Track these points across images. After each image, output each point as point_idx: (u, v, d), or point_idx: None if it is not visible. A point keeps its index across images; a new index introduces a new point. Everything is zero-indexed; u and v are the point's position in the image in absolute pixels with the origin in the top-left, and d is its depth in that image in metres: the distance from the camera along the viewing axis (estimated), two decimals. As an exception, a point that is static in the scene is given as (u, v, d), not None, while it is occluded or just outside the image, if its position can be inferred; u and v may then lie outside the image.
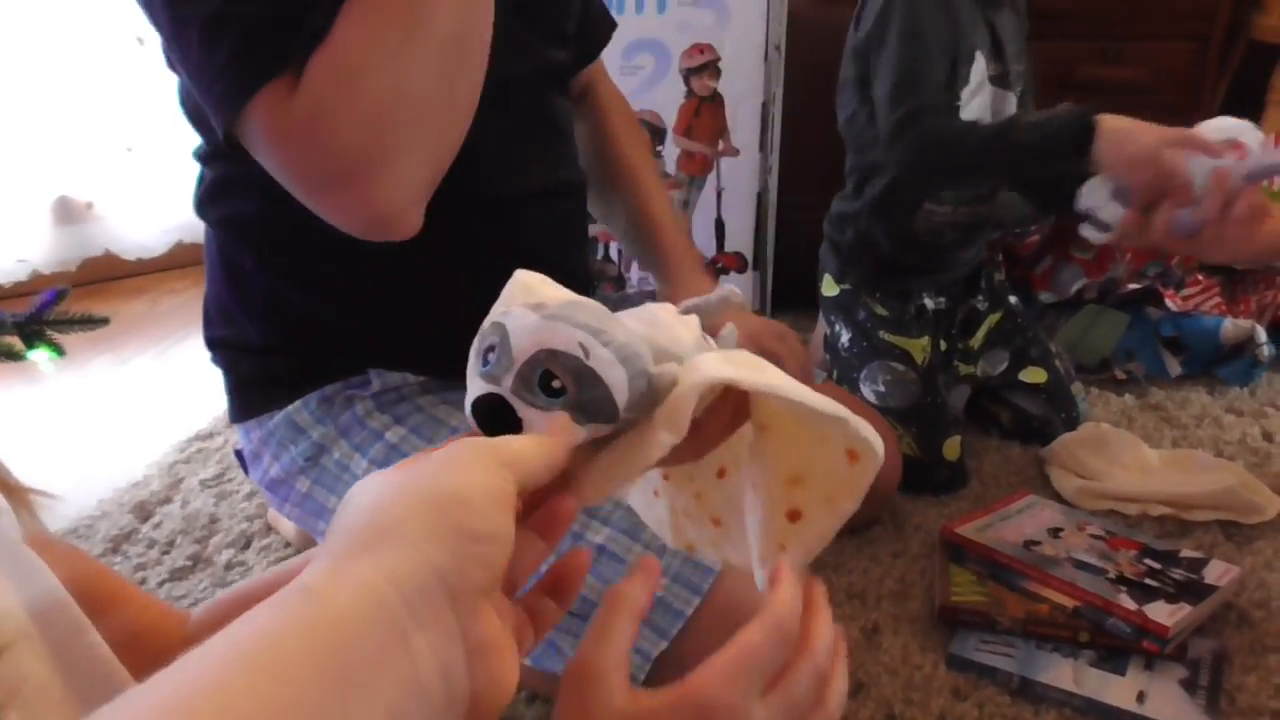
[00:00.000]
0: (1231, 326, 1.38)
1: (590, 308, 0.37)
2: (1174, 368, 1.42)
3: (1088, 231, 1.02)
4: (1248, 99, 1.88)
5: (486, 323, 0.40)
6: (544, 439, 0.35)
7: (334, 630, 0.27)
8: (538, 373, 0.35)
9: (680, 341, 0.39)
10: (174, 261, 2.13)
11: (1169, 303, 1.41)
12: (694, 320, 0.43)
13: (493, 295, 0.62)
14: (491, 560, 0.31)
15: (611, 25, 1.07)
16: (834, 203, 1.28)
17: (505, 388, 0.36)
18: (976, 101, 1.18)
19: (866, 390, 1.23)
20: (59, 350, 0.94)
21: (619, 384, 0.36)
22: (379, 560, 0.29)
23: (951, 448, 1.20)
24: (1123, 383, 1.42)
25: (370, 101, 0.67)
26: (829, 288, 1.29)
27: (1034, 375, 1.28)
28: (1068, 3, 1.89)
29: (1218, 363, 1.41)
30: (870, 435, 0.40)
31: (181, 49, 0.73)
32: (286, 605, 0.28)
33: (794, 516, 0.42)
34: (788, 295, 1.49)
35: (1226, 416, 1.33)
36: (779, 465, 0.42)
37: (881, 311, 1.25)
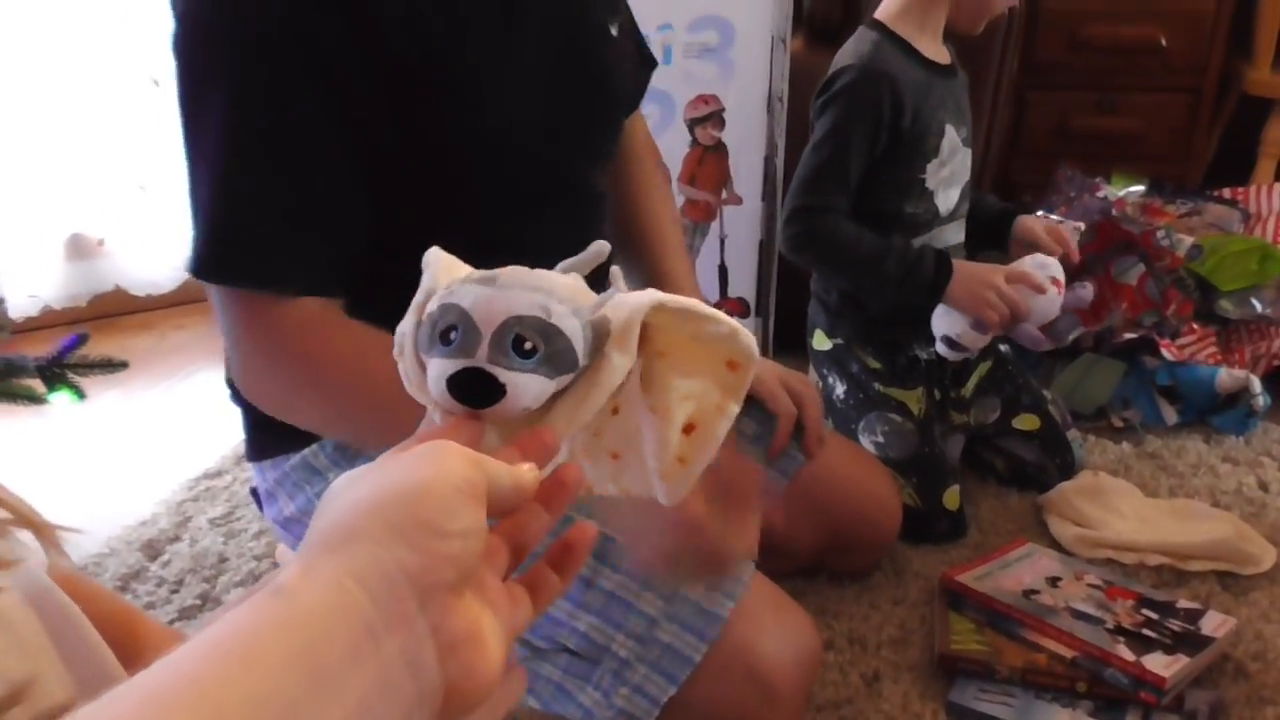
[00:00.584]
0: (1227, 376, 1.40)
1: (526, 272, 0.41)
2: (1170, 416, 1.44)
3: (943, 349, 1.22)
4: (1239, 151, 1.92)
5: (433, 305, 0.42)
6: (517, 466, 0.36)
7: (304, 626, 0.29)
8: (509, 338, 0.38)
9: (581, 291, 0.42)
10: (183, 298, 2.15)
11: (1165, 352, 1.43)
12: (578, 276, 0.45)
13: None
14: (460, 555, 0.32)
15: (652, 65, 1.07)
16: None
17: (480, 359, 0.38)
18: (949, 168, 1.23)
19: (865, 441, 1.25)
20: (80, 393, 0.96)
21: (576, 334, 0.39)
22: (346, 560, 0.30)
23: (952, 497, 1.22)
24: (1119, 430, 1.44)
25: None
26: (820, 342, 1.31)
27: (1027, 422, 1.30)
28: (1065, 55, 1.94)
29: (1213, 412, 1.43)
30: (750, 343, 0.44)
31: (194, 166, 0.76)
32: (260, 604, 0.29)
33: (689, 429, 0.45)
34: (788, 340, 1.51)
35: (1222, 465, 1.35)
36: (676, 385, 0.45)
37: (874, 364, 1.27)
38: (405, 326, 0.43)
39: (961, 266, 1.18)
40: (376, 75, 0.74)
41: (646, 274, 1.05)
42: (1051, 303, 1.17)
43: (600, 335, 0.40)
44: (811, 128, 1.23)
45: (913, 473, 1.22)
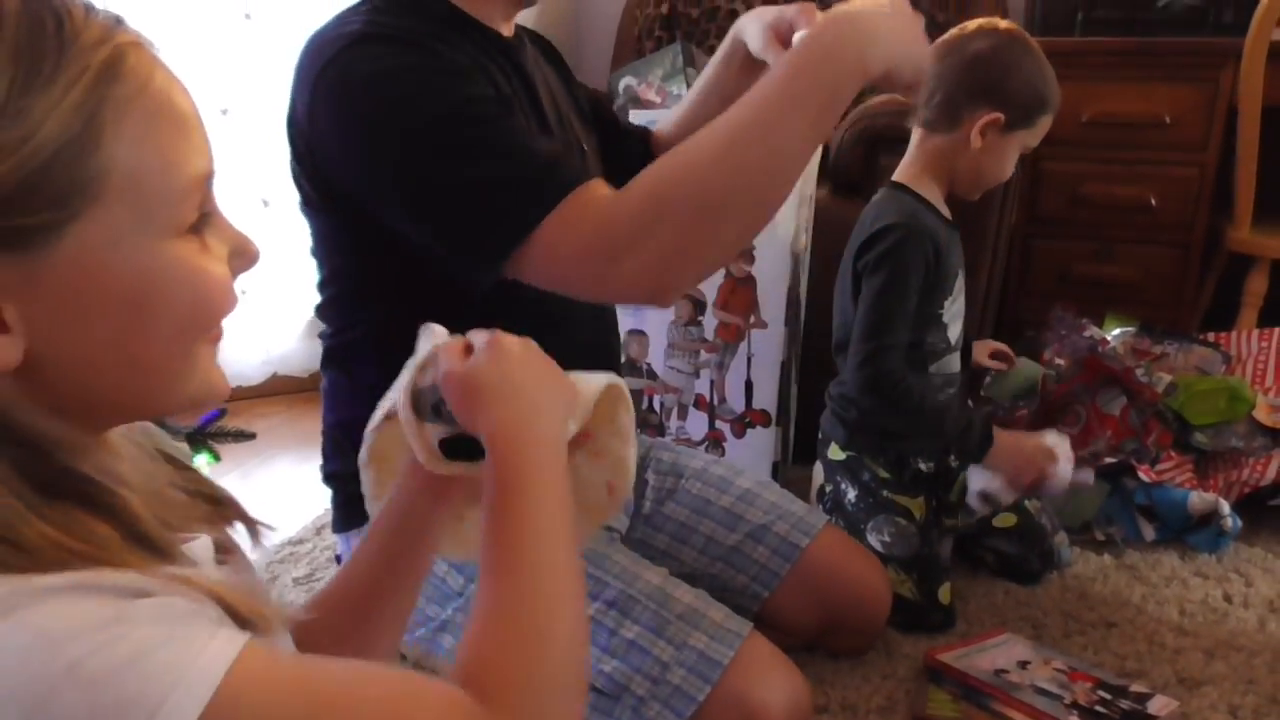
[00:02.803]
0: (1198, 499, 1.56)
1: None
2: (1148, 533, 1.59)
3: (976, 503, 1.45)
4: (1227, 301, 2.11)
5: (426, 381, 0.64)
6: None
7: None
8: None
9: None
10: (267, 390, 2.40)
11: (1142, 475, 1.59)
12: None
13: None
14: None
15: (647, 135, 1.31)
16: (832, 386, 1.53)
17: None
18: (957, 304, 1.46)
19: (873, 539, 1.42)
20: (217, 456, 1.17)
21: None
22: None
23: (945, 593, 1.38)
24: (1102, 544, 1.59)
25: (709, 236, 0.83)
26: (835, 453, 1.51)
27: (1004, 520, 1.48)
28: (1065, 210, 2.17)
29: (1188, 531, 1.58)
30: (629, 470, 0.68)
31: (432, 207, 0.89)
32: None
33: (610, 489, 0.69)
34: (803, 447, 1.70)
35: (1193, 579, 1.49)
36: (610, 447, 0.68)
37: (884, 474, 1.45)
38: (403, 382, 0.65)
39: (1002, 435, 1.39)
40: None
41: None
42: (1065, 475, 1.39)
43: None
44: (856, 273, 1.43)
45: (914, 569, 1.39)
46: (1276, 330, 1.89)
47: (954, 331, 1.46)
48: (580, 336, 1.13)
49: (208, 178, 0.50)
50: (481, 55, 1.01)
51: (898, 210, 1.41)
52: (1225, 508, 1.56)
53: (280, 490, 1.87)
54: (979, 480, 1.42)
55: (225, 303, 0.51)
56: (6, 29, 0.42)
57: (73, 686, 0.39)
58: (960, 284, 1.47)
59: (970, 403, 1.75)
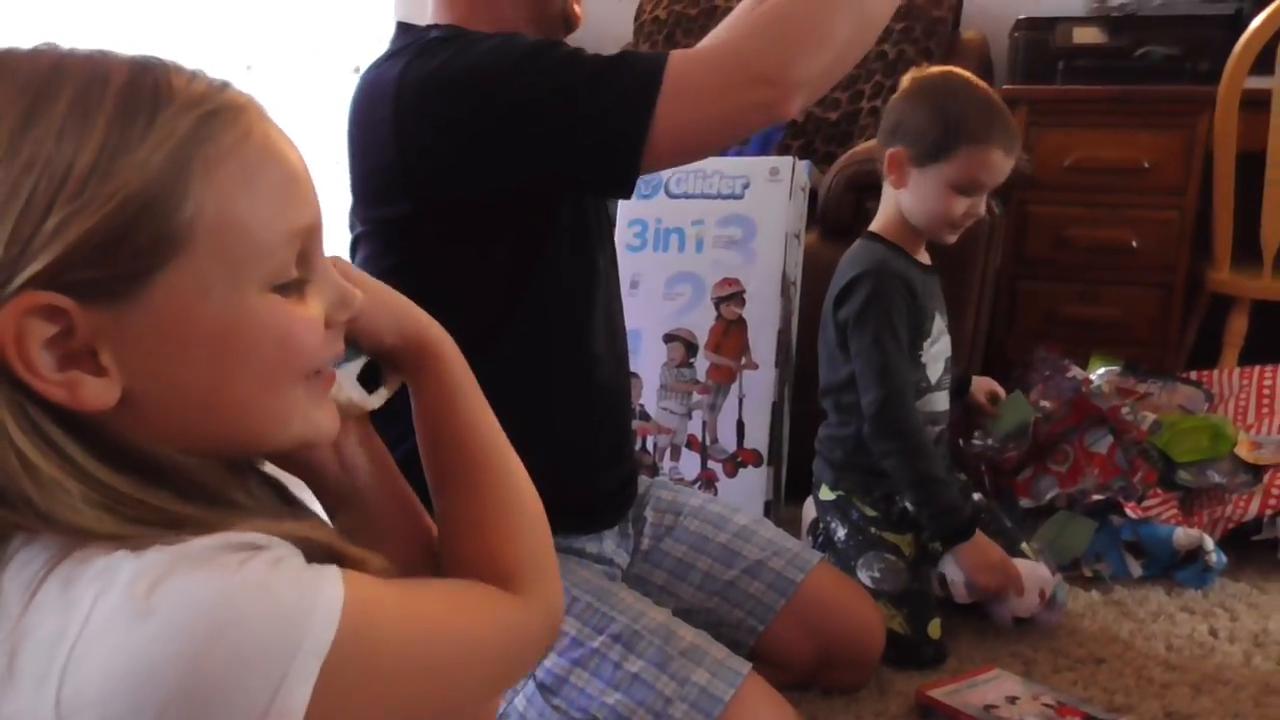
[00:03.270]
0: (1183, 534, 1.59)
1: None
2: (1135, 569, 1.61)
3: (935, 583, 1.45)
4: (1211, 341, 2.15)
5: None
6: None
7: None
8: None
9: None
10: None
11: (1129, 512, 1.62)
12: None
13: (596, 448, 0.93)
14: None
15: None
16: (821, 429, 1.57)
17: None
18: (937, 346, 1.50)
19: (863, 576, 1.44)
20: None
21: None
22: None
23: (935, 628, 1.40)
24: (1090, 580, 1.61)
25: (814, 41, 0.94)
26: (825, 494, 1.54)
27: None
28: (1050, 252, 2.22)
29: (1174, 567, 1.60)
30: None
31: (568, 103, 0.95)
32: None
33: None
34: (795, 486, 1.73)
35: (1180, 614, 1.51)
36: None
37: (872, 512, 1.48)
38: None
39: (979, 539, 1.41)
40: None
41: None
42: (1027, 606, 1.41)
43: None
44: (838, 324, 1.48)
45: (904, 605, 1.41)
46: (1257, 369, 1.93)
47: (934, 371, 1.50)
48: (603, 375, 1.18)
49: (308, 232, 0.53)
50: None
51: (867, 258, 1.47)
52: (1210, 543, 1.58)
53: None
54: (947, 565, 1.44)
55: (316, 351, 0.54)
56: (109, 96, 0.47)
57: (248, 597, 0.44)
58: (940, 326, 1.51)
59: (960, 441, 1.79)
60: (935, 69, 1.49)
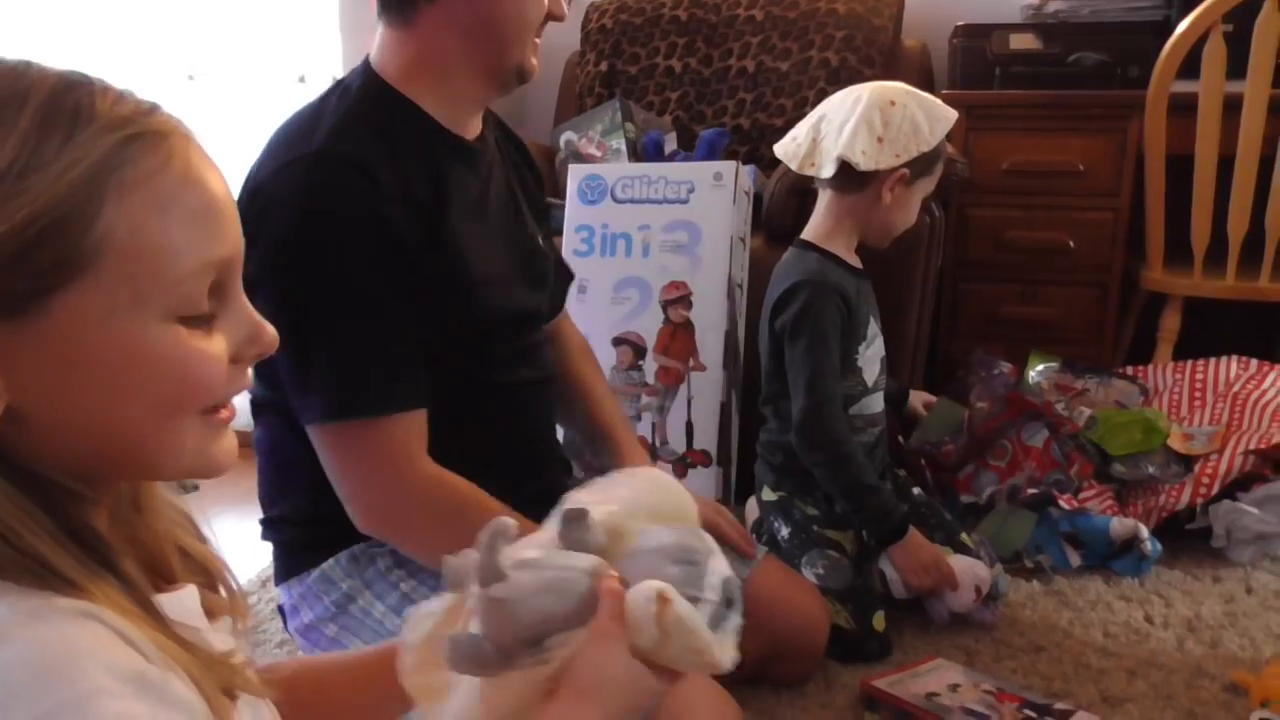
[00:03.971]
0: (1118, 524, 1.63)
1: None
2: (1074, 559, 1.65)
3: (877, 579, 1.48)
4: (1148, 338, 2.21)
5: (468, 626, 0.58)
6: None
7: None
8: None
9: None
10: (214, 446, 2.39)
11: (1064, 504, 1.66)
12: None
13: (493, 470, 0.95)
14: None
15: (571, 277, 1.41)
16: (762, 433, 1.60)
17: None
18: (872, 349, 1.54)
19: (807, 573, 1.47)
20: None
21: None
22: None
23: (879, 621, 1.43)
24: (1031, 571, 1.65)
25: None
26: (767, 495, 1.56)
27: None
28: (991, 254, 2.26)
29: (1111, 557, 1.65)
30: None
31: (317, 330, 1.01)
32: None
33: None
34: (745, 486, 1.75)
35: (1116, 602, 1.56)
36: None
37: (813, 511, 1.51)
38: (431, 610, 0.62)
39: (913, 538, 1.45)
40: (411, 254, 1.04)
41: (600, 443, 1.34)
42: (963, 602, 1.45)
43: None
44: (774, 332, 1.51)
45: (848, 600, 1.43)
46: (1189, 363, 1.99)
47: (870, 374, 1.54)
48: (528, 424, 1.22)
49: (223, 265, 0.52)
50: (443, 163, 1.10)
51: (803, 268, 1.50)
52: (1145, 533, 1.63)
53: (224, 545, 1.86)
54: (886, 563, 1.47)
55: (217, 386, 0.53)
56: (30, 106, 0.47)
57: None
58: (874, 329, 1.54)
59: (901, 439, 1.82)
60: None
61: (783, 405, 1.52)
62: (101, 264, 0.47)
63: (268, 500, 1.23)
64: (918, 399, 1.83)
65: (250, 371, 0.57)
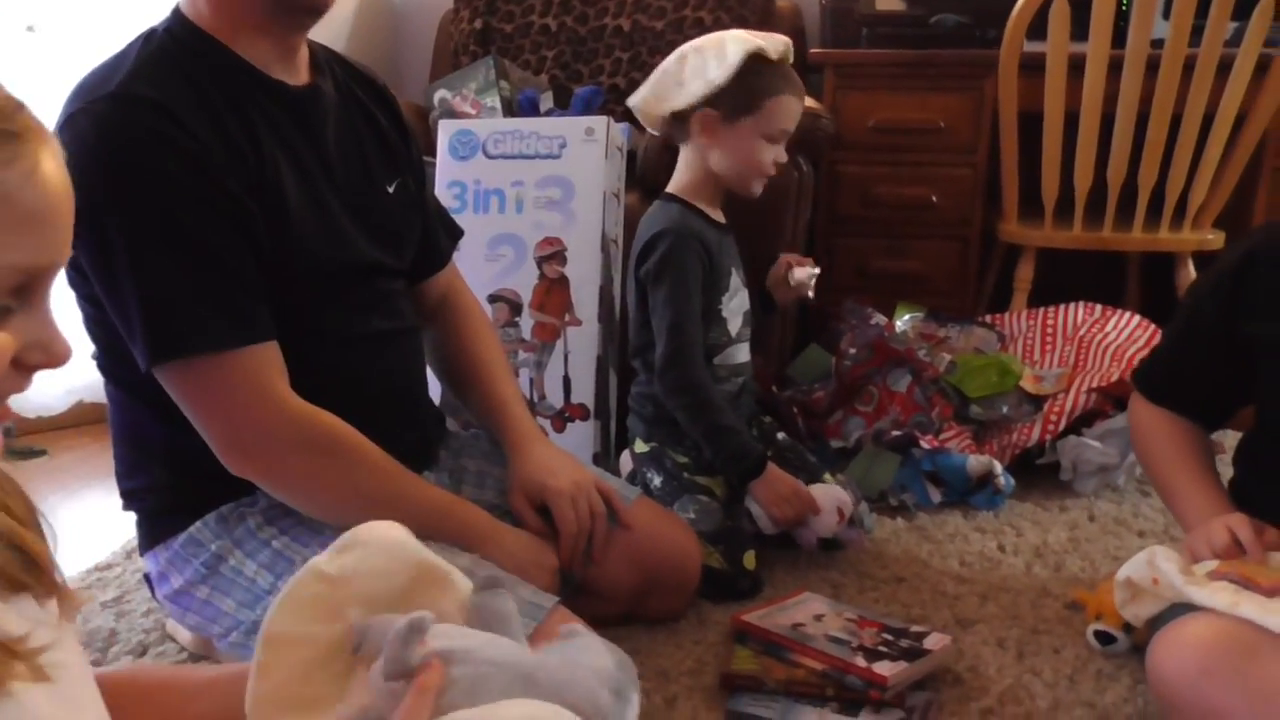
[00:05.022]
0: (975, 462, 1.72)
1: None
2: (935, 496, 1.74)
3: (745, 518, 1.52)
4: (1007, 287, 2.33)
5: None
6: None
7: None
8: None
9: None
10: (75, 420, 2.28)
11: (925, 444, 1.75)
12: None
13: (363, 421, 0.94)
14: None
15: (458, 234, 1.39)
16: (633, 386, 1.63)
17: None
18: (735, 301, 1.58)
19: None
20: None
21: None
22: None
23: (750, 559, 1.48)
24: (896, 509, 1.73)
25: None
26: (640, 447, 1.60)
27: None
28: (860, 210, 2.34)
29: (969, 493, 1.74)
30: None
31: (132, 273, 0.99)
32: None
33: None
34: (625, 439, 1.78)
35: (973, 534, 1.65)
36: None
37: (683, 460, 1.55)
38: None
39: (771, 472, 1.49)
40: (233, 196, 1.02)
41: (484, 402, 1.32)
42: (827, 525, 1.50)
43: None
44: (639, 282, 1.53)
45: (720, 541, 1.47)
46: (1041, 310, 2.11)
47: (734, 325, 1.58)
48: (391, 374, 1.21)
49: (38, 272, 0.53)
50: (255, 108, 1.07)
51: (665, 218, 1.53)
52: (999, 469, 1.73)
53: (88, 518, 1.79)
54: (750, 500, 1.51)
55: None
56: None
57: None
58: (737, 282, 1.58)
59: (774, 387, 1.88)
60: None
61: (650, 355, 1.55)
62: None
63: (125, 474, 1.19)
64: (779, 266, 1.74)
65: (31, 379, 0.56)
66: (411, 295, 1.29)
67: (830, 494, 1.50)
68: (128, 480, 1.20)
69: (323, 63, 1.18)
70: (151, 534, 1.19)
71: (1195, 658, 0.95)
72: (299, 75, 1.13)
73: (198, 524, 1.15)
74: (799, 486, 1.50)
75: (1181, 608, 1.03)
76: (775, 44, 1.52)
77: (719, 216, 1.59)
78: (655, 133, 1.61)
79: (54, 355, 0.55)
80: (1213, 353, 1.20)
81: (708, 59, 1.49)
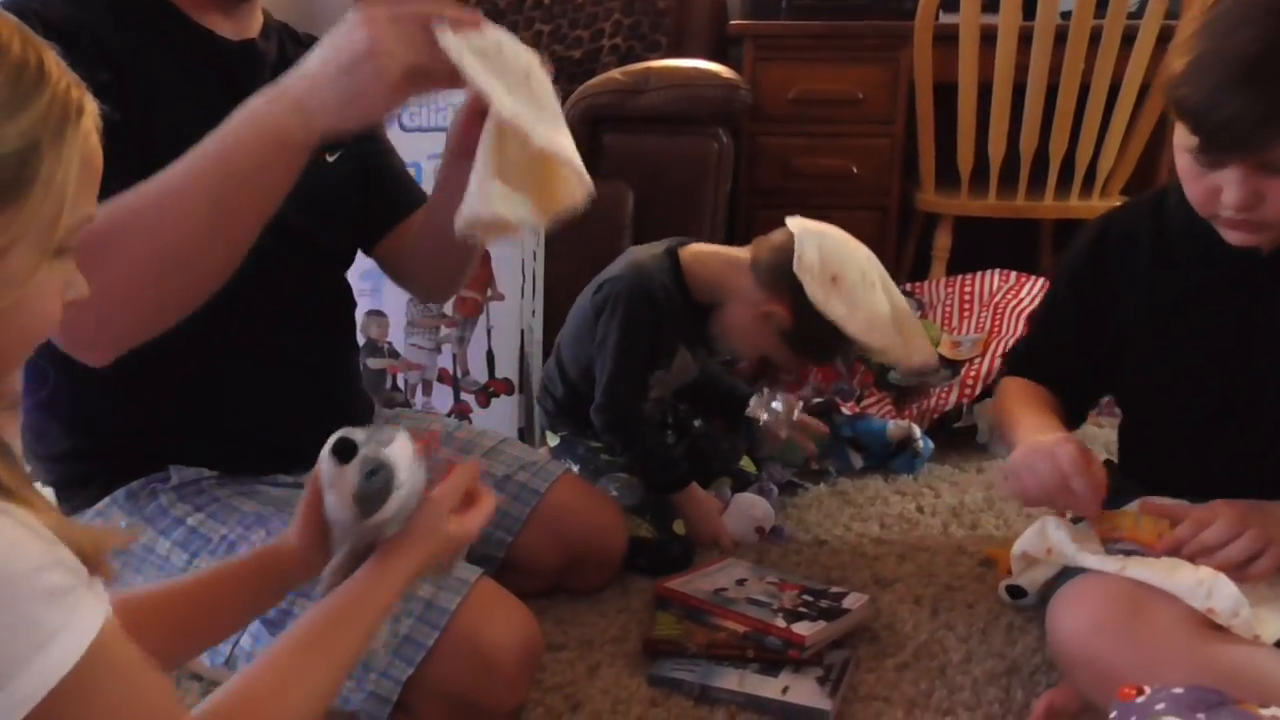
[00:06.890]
0: (895, 427, 1.76)
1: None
2: (857, 462, 1.77)
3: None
4: (926, 256, 2.37)
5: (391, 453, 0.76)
6: None
7: None
8: None
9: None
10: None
11: (845, 410, 1.78)
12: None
13: (270, 400, 0.90)
14: None
15: (416, 200, 1.29)
16: (544, 369, 1.62)
17: None
18: (675, 375, 1.57)
19: None
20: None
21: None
22: None
23: (679, 525, 1.49)
24: (818, 474, 1.76)
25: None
26: (550, 440, 1.61)
27: (720, 484, 1.60)
28: (780, 181, 2.36)
29: (890, 457, 1.78)
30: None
31: None
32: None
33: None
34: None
35: (893, 497, 1.69)
36: None
37: (595, 444, 1.56)
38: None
39: (692, 492, 1.52)
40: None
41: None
42: (748, 541, 1.53)
43: None
44: (602, 290, 1.51)
45: (645, 511, 1.48)
46: (959, 278, 2.15)
47: (656, 393, 1.56)
48: (309, 360, 1.16)
49: (88, 221, 0.60)
50: (168, 51, 1.03)
51: (655, 269, 1.51)
52: (918, 433, 1.77)
53: None
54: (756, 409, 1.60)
55: (50, 331, 0.61)
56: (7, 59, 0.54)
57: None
58: (685, 359, 1.57)
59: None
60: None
61: (575, 350, 1.55)
62: (28, 201, 0.54)
63: (31, 438, 1.15)
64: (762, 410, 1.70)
65: None
66: (394, 237, 1.25)
67: (748, 514, 1.52)
68: (32, 444, 1.16)
69: (271, 30, 1.16)
70: (61, 506, 1.16)
71: (1088, 616, 0.99)
72: (241, 33, 1.11)
73: (106, 500, 1.12)
74: (715, 517, 1.52)
75: (1074, 570, 1.07)
76: (909, 357, 1.53)
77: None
78: (744, 251, 1.56)
79: (81, 290, 0.61)
80: (1071, 334, 1.19)
81: (858, 311, 1.48)
